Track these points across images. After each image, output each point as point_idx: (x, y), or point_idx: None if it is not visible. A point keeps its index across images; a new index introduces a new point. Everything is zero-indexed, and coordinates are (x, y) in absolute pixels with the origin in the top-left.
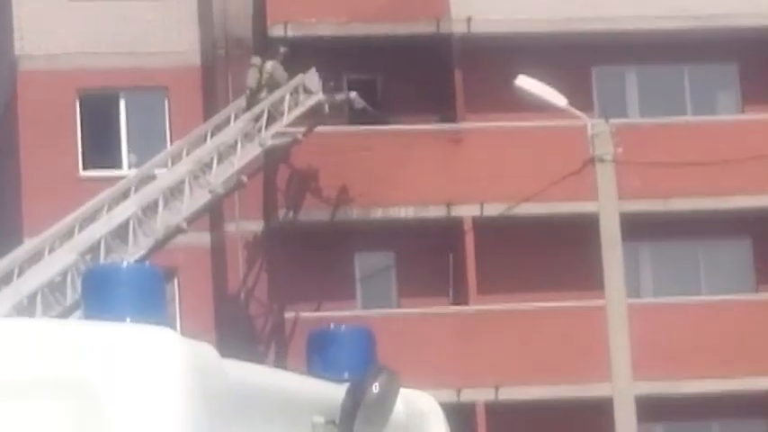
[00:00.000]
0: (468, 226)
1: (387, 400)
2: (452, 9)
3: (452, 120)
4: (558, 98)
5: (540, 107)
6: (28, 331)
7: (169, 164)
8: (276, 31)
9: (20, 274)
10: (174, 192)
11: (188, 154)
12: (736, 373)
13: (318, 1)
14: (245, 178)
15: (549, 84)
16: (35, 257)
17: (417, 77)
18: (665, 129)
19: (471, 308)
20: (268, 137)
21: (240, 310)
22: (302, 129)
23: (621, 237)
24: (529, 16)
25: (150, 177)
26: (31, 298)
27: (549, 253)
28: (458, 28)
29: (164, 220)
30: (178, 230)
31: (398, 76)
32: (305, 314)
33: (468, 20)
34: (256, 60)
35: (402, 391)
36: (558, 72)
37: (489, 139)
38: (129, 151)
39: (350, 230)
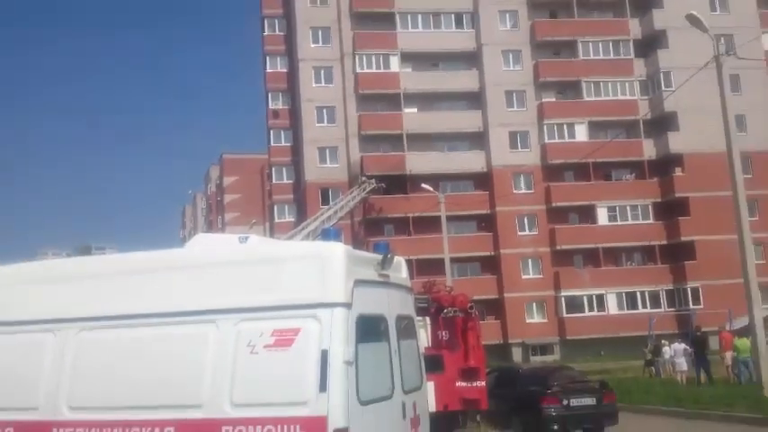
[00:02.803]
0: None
1: (393, 258)
2: (407, 166)
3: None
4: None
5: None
6: (306, 243)
7: (340, 201)
8: (366, 171)
9: (303, 229)
10: (338, 209)
11: (339, 202)
12: None
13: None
14: (354, 205)
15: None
16: (306, 224)
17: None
18: None
19: None
20: (362, 195)
21: (356, 240)
22: (371, 195)
23: None
24: (431, 168)
25: (331, 206)
26: (308, 234)
27: None
28: (409, 171)
29: (335, 216)
30: (339, 219)
31: (391, 186)
32: (373, 239)
33: (410, 170)
34: (359, 178)
35: (396, 257)
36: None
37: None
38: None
39: (383, 220)
